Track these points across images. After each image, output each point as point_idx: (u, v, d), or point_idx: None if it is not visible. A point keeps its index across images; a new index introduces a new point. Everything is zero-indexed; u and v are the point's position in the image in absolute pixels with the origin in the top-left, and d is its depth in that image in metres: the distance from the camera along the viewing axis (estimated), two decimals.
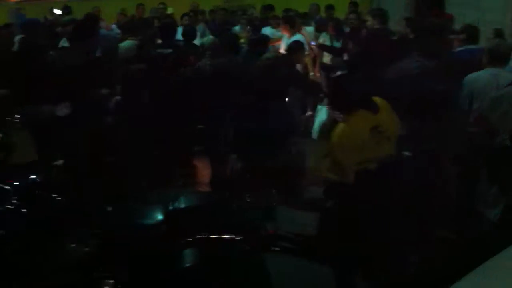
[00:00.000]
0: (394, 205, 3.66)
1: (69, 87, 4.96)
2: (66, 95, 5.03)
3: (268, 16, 10.12)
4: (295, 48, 6.63)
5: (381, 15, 6.82)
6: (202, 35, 8.95)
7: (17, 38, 7.16)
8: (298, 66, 6.95)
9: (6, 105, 4.80)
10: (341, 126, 3.74)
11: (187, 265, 3.11)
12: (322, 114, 5.00)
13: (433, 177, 4.10)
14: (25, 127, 4.66)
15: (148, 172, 4.84)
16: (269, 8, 10.87)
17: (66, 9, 11.09)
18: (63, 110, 4.99)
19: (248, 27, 9.27)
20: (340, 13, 10.01)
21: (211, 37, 7.74)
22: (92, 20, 6.89)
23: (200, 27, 9.57)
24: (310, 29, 9.00)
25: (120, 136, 5.11)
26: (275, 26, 9.14)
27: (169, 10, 11.14)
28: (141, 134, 4.91)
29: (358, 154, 3.67)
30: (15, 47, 6.76)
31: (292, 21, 8.45)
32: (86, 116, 4.94)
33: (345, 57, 5.47)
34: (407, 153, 4.06)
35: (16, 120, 4.60)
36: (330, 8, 10.11)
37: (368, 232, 3.51)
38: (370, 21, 6.90)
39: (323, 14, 10.21)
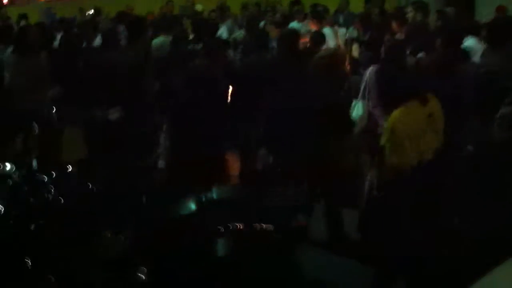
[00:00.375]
0: (456, 197, 3.69)
1: (125, 87, 4.97)
2: (121, 96, 5.03)
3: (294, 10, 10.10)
4: (317, 39, 6.58)
5: (424, 7, 6.79)
6: (231, 32, 8.98)
7: (60, 36, 7.11)
8: None
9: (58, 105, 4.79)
10: (398, 112, 3.83)
11: (220, 256, 3.16)
12: (358, 109, 5.00)
13: (495, 172, 4.09)
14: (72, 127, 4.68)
15: (189, 167, 4.86)
16: (296, 3, 10.80)
17: (96, 10, 11.19)
18: (115, 114, 5.01)
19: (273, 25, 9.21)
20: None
21: (242, 32, 7.75)
22: (141, 19, 6.64)
23: (228, 23, 9.61)
24: (342, 30, 8.94)
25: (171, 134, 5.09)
26: (300, 21, 9.05)
27: (198, 8, 11.21)
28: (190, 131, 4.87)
29: (418, 141, 3.79)
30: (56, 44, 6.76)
31: (320, 16, 8.40)
32: (139, 117, 4.93)
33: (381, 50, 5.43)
34: (469, 148, 4.11)
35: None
36: (368, 2, 9.97)
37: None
38: (411, 14, 6.85)
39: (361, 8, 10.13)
